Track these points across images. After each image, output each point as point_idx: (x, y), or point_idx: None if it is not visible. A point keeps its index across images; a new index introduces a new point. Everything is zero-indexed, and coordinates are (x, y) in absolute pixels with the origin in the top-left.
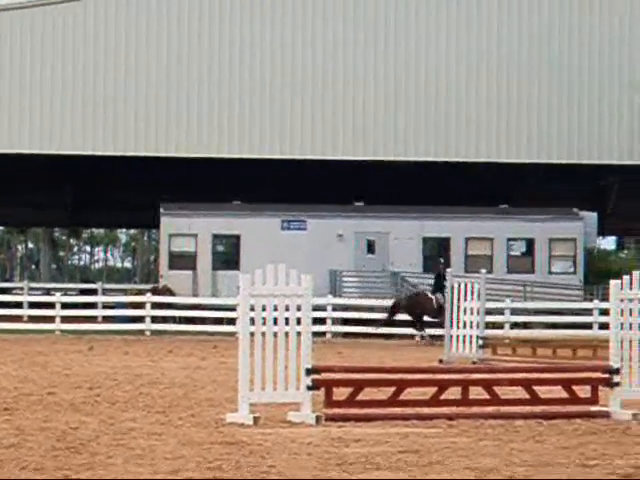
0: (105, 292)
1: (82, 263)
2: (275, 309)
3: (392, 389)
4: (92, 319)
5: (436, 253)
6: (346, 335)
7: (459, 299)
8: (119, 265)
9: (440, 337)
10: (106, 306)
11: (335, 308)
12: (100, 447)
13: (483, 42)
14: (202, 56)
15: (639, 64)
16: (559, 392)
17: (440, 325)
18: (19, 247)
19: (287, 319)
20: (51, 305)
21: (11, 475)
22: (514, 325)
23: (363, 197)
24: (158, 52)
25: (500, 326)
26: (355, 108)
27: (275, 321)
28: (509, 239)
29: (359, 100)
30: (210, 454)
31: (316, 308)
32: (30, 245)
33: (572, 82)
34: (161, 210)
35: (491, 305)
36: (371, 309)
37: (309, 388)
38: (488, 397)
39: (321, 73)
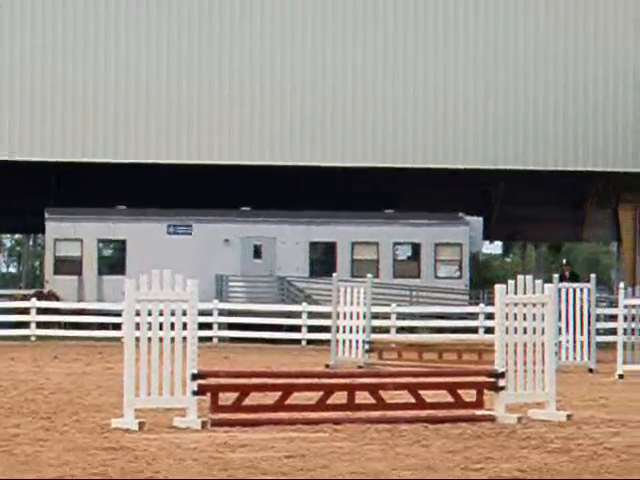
0: None
1: None
2: (161, 314)
3: (278, 394)
4: None
5: (324, 258)
6: (233, 340)
7: (345, 304)
8: (4, 270)
9: (327, 342)
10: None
11: (221, 313)
12: None
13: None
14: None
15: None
16: (445, 396)
17: None
18: None
19: (173, 324)
20: None
21: None
22: (400, 329)
23: (249, 202)
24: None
25: (386, 330)
26: (242, 112)
27: (161, 326)
28: (395, 243)
29: (247, 104)
30: (95, 460)
31: (202, 313)
32: None
33: (457, 90)
34: (46, 215)
35: (377, 309)
36: (258, 314)
37: (195, 393)
38: (374, 401)
39: (207, 77)
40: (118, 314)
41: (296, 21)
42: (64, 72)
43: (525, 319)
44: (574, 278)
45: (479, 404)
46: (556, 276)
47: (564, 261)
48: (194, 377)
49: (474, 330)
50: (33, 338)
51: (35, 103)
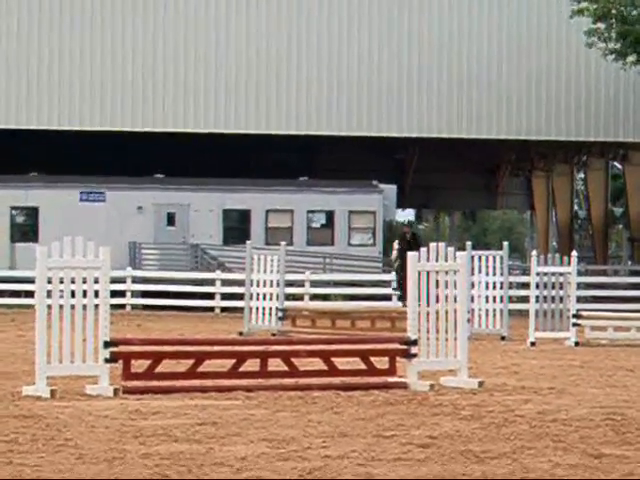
0: None
1: None
2: (73, 282)
3: (191, 361)
4: None
5: (238, 225)
6: (146, 308)
7: (259, 271)
8: None
9: (240, 310)
10: None
11: (135, 280)
12: None
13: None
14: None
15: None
16: (357, 364)
17: None
18: None
19: (85, 292)
20: None
21: None
22: (314, 297)
23: (162, 169)
24: None
25: (300, 298)
26: (155, 79)
27: (73, 294)
28: (309, 211)
29: (159, 71)
30: (6, 427)
31: (115, 280)
32: None
33: (372, 55)
34: None
35: (291, 277)
36: (172, 281)
37: (107, 361)
38: (287, 369)
39: (112, 43)
40: (30, 281)
41: None
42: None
43: (438, 286)
44: (415, 241)
45: (391, 371)
46: (469, 243)
47: (406, 220)
48: (106, 345)
49: (387, 298)
50: None
51: None
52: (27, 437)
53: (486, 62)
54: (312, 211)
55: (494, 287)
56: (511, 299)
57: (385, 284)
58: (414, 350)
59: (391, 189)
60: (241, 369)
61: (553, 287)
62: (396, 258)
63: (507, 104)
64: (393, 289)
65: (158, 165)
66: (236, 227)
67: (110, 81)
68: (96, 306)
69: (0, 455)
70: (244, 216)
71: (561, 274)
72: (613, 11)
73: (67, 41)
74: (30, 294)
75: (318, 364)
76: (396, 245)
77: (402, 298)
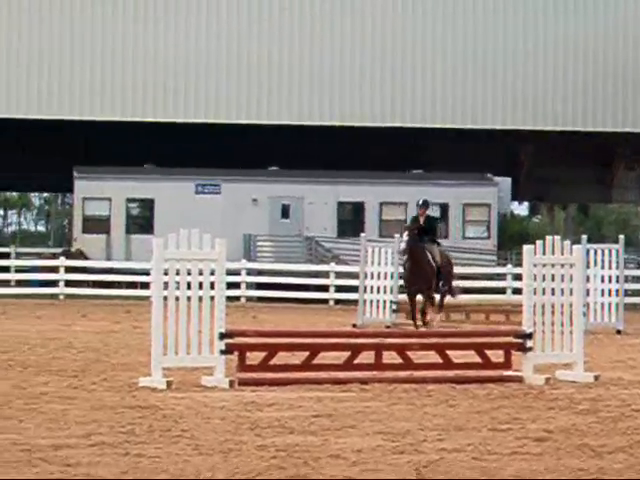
0: (18, 256)
1: None
2: (188, 273)
3: (306, 353)
4: (5, 283)
5: (352, 218)
6: (260, 300)
7: (373, 264)
8: (32, 229)
9: (354, 302)
10: (19, 270)
11: (249, 272)
12: (12, 411)
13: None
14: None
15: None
16: (472, 357)
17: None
18: None
19: (201, 283)
20: None
21: None
22: None
23: (277, 161)
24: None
25: None
26: (271, 71)
27: (189, 285)
28: None
29: (274, 63)
30: (123, 418)
31: (230, 272)
32: None
33: (486, 49)
34: (75, 174)
35: None
36: (286, 274)
37: (222, 352)
38: (401, 361)
39: (236, 40)
40: (146, 273)
41: None
42: (94, 32)
43: (553, 280)
44: (430, 223)
45: (507, 365)
46: (584, 237)
47: (420, 201)
48: (222, 336)
49: (502, 291)
50: (61, 297)
51: (64, 61)
52: (144, 428)
53: (592, 55)
54: None
55: (610, 280)
56: (627, 293)
57: (500, 277)
58: (529, 344)
59: (506, 182)
60: (356, 361)
61: None
62: (405, 251)
63: (623, 97)
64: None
65: (273, 157)
66: (350, 219)
67: (225, 72)
68: (212, 298)
69: (117, 446)
70: (358, 208)
71: None
72: None
73: (182, 38)
74: (145, 286)
75: (432, 357)
76: (405, 237)
77: (409, 292)
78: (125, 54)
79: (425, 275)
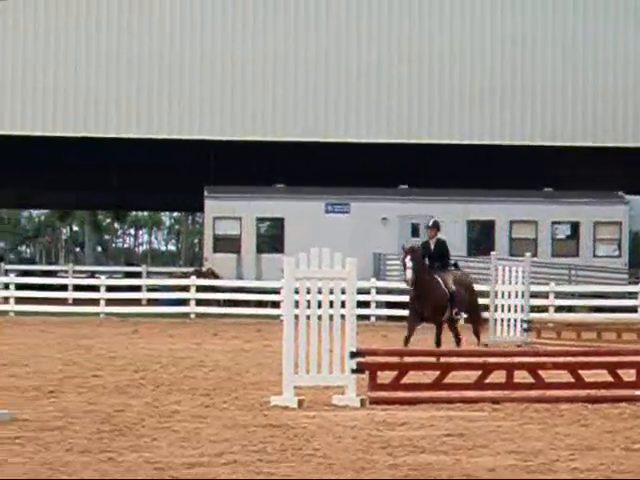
0: (150, 275)
1: (126, 246)
2: (319, 292)
3: (437, 372)
4: (137, 302)
5: (482, 236)
6: (390, 318)
7: (503, 283)
8: (163, 248)
9: (485, 321)
10: (151, 289)
11: (379, 291)
12: (145, 430)
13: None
14: (234, 43)
15: None
16: (604, 376)
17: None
18: (64, 230)
19: (331, 302)
20: (96, 288)
21: (57, 457)
22: (558, 309)
23: (407, 181)
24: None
25: (544, 309)
26: (400, 91)
27: (319, 304)
28: (554, 222)
29: (403, 83)
30: (255, 437)
31: (360, 291)
32: (75, 228)
33: (617, 64)
34: (205, 193)
35: (535, 288)
36: None
37: (353, 371)
38: (533, 381)
39: (356, 59)
40: (276, 292)
41: None
42: (223, 51)
43: None
44: (441, 247)
45: (639, 384)
46: None
47: (430, 222)
48: (353, 355)
49: (633, 309)
50: (192, 315)
51: (194, 83)
52: (276, 447)
53: None
54: (557, 222)
55: None
56: None
57: (631, 296)
58: None
59: (637, 200)
60: (487, 380)
61: None
62: (412, 281)
63: None
64: None
65: (402, 176)
66: (480, 238)
67: (355, 92)
68: (342, 317)
69: (250, 465)
70: (488, 227)
71: None
72: None
73: (313, 56)
74: (276, 304)
75: (564, 376)
76: (408, 262)
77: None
78: (255, 74)
79: (433, 302)
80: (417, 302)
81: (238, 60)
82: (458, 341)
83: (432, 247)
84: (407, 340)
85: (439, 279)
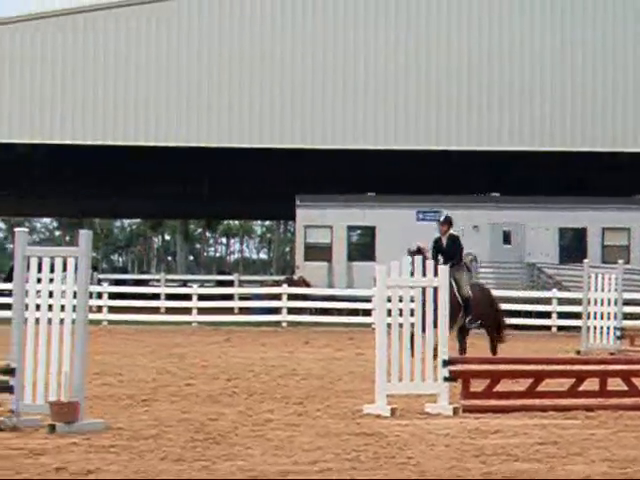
0: (241, 283)
1: (218, 255)
2: (412, 300)
3: (529, 380)
4: (229, 310)
5: (573, 244)
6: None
7: (596, 290)
8: (255, 256)
9: (577, 328)
10: (242, 297)
11: None
12: (238, 438)
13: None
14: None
15: None
16: None
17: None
18: (155, 239)
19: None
20: (188, 297)
21: (151, 465)
22: None
23: (499, 188)
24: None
25: (638, 317)
26: (490, 97)
27: (412, 312)
28: None
29: (494, 90)
30: (348, 445)
31: None
32: (167, 237)
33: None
34: (297, 202)
35: (629, 296)
36: (508, 300)
37: (446, 379)
38: (626, 388)
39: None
40: (368, 300)
41: None
42: (315, 61)
43: None
44: (453, 244)
45: None
46: None
47: (441, 217)
48: (445, 363)
49: None
50: (284, 324)
51: (287, 93)
52: (369, 455)
53: None
54: None
55: None
56: None
57: None
58: None
59: None
60: (580, 388)
61: None
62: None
63: None
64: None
65: (493, 184)
66: (572, 245)
67: (445, 101)
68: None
69: (343, 473)
70: (580, 234)
71: None
72: None
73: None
74: (367, 313)
75: None
76: (407, 258)
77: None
78: (346, 81)
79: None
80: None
81: (330, 68)
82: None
83: (444, 244)
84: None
85: (452, 282)
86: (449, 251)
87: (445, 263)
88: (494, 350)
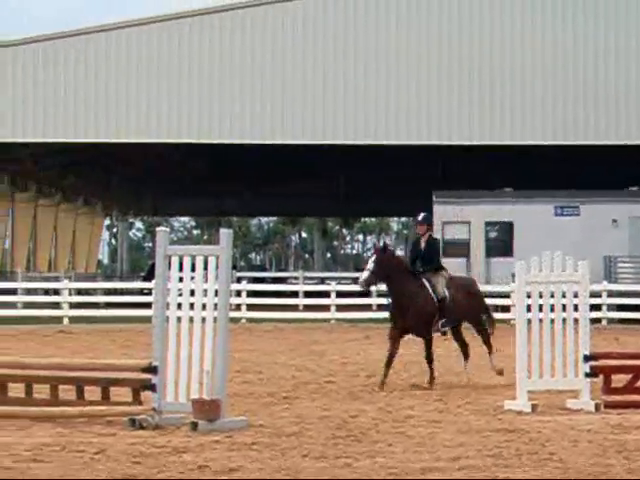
0: None
1: (355, 252)
2: (552, 296)
3: None
4: (367, 307)
5: None
6: (622, 322)
7: None
8: None
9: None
10: (380, 294)
11: (610, 294)
12: (380, 435)
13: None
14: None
15: None
16: None
17: None
18: (293, 237)
19: (564, 306)
20: (326, 294)
21: (294, 463)
22: None
23: (638, 182)
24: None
25: None
26: (597, 91)
27: (552, 308)
28: None
29: (611, 86)
30: (489, 441)
31: (591, 294)
32: (304, 235)
33: None
34: (434, 198)
35: None
36: None
37: (587, 375)
38: None
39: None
40: (506, 296)
41: None
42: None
43: None
44: (432, 246)
45: None
46: None
47: (419, 217)
48: (586, 359)
49: None
50: None
51: (421, 90)
52: (511, 451)
53: None
54: None
55: None
56: None
57: None
58: None
59: None
60: None
61: None
62: (367, 281)
63: None
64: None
65: (633, 177)
66: None
67: (551, 92)
68: (575, 320)
69: (485, 469)
70: None
71: None
72: None
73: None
74: (506, 309)
75: None
76: (370, 264)
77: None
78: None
79: (415, 310)
80: (397, 312)
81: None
82: (466, 357)
83: (423, 246)
84: (389, 362)
85: (426, 283)
86: (427, 256)
87: (423, 268)
88: (487, 344)
